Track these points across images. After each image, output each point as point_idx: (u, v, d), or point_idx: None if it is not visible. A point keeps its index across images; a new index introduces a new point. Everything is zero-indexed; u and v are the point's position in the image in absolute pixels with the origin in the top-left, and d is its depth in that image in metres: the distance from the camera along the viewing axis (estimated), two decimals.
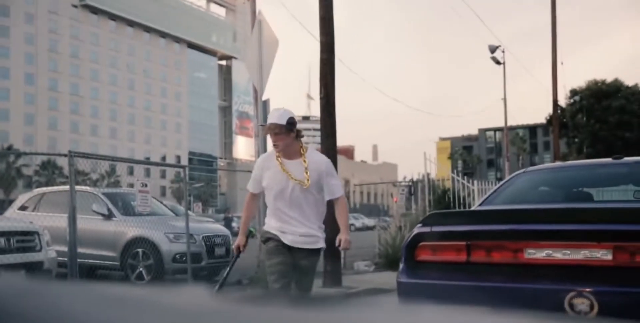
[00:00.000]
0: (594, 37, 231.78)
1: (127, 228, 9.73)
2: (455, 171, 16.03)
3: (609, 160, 5.10)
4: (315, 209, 4.40)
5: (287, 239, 4.33)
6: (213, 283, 9.80)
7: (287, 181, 4.32)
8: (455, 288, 3.58)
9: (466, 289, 3.54)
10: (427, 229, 3.79)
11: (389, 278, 7.53)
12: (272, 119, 4.31)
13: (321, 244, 4.45)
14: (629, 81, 52.54)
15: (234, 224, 28.07)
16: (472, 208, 5.27)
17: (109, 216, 10.08)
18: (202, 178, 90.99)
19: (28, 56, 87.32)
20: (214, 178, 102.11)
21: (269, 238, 4.39)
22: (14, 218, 8.27)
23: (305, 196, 4.33)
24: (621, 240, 3.30)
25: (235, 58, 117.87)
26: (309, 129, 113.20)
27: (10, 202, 12.41)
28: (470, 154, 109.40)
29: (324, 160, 4.47)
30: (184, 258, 9.45)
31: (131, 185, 10.05)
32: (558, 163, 6.00)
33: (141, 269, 9.90)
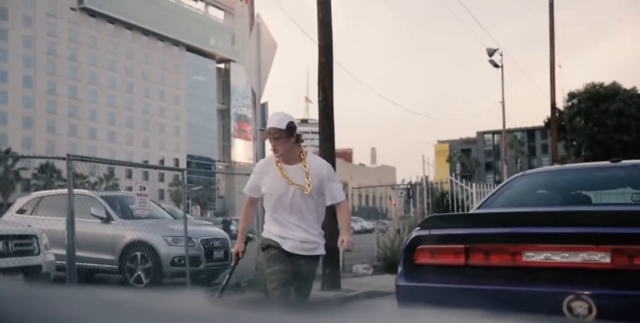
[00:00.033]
0: (592, 40, 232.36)
1: (125, 232, 9.72)
2: (453, 174, 16.05)
3: (607, 163, 5.11)
4: (315, 214, 4.35)
5: (287, 246, 4.26)
6: (212, 286, 9.81)
7: (287, 187, 4.25)
8: (454, 292, 3.58)
9: (465, 292, 3.54)
10: (425, 232, 3.79)
11: (388, 281, 7.53)
12: (271, 123, 4.25)
13: (321, 251, 4.40)
14: (626, 84, 52.79)
15: (232, 227, 28.03)
16: (471, 211, 5.27)
17: (107, 219, 10.07)
18: (200, 181, 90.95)
19: (26, 59, 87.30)
20: (212, 181, 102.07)
21: (268, 246, 4.32)
22: (12, 222, 8.27)
23: (305, 201, 4.28)
24: (619, 243, 3.30)
25: (233, 61, 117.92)
26: (307, 132, 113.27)
27: (9, 205, 12.40)
28: (469, 157, 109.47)
29: (325, 164, 4.43)
30: (183, 261, 9.44)
31: (129, 189, 10.06)
32: (556, 166, 6.01)
33: (140, 272, 9.88)
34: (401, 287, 3.84)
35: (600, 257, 3.31)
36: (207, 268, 10.29)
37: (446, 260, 3.69)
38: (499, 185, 5.25)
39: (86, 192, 11.39)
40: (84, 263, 8.98)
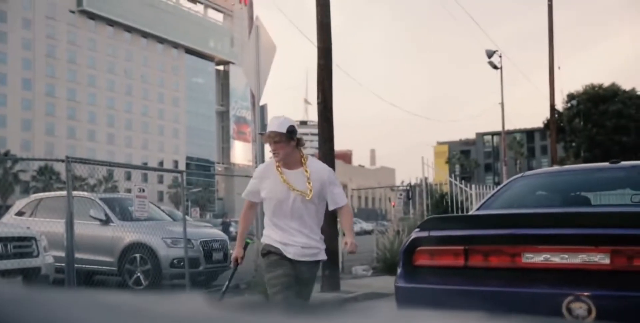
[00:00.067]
0: (591, 40, 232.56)
1: (124, 234, 9.72)
2: (452, 175, 16.06)
3: (606, 164, 5.12)
4: (315, 219, 4.30)
5: (289, 252, 4.19)
6: (211, 288, 9.81)
7: (287, 192, 4.19)
8: (453, 293, 3.58)
9: (464, 294, 3.54)
10: (424, 234, 3.79)
11: (387, 283, 7.52)
12: (271, 127, 4.19)
13: (323, 256, 4.34)
14: (626, 85, 52.88)
15: (231, 229, 28.04)
16: (470, 212, 5.27)
17: (106, 221, 10.07)
18: (199, 183, 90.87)
19: (25, 62, 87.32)
20: (211, 183, 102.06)
21: (269, 252, 4.25)
22: (11, 224, 8.26)
23: (306, 206, 4.22)
24: (619, 244, 3.30)
25: (232, 63, 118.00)
26: (306, 134, 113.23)
27: (8, 207, 12.39)
28: (468, 158, 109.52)
29: (326, 168, 4.37)
30: (182, 263, 9.44)
31: (129, 191, 10.05)
32: (555, 168, 6.01)
33: (139, 274, 9.88)
34: (400, 288, 3.83)
35: (600, 258, 3.31)
36: (206, 270, 10.29)
37: (445, 261, 3.69)
38: (499, 187, 5.26)
39: (85, 194, 11.39)
40: (83, 266, 8.98)
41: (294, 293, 4.18)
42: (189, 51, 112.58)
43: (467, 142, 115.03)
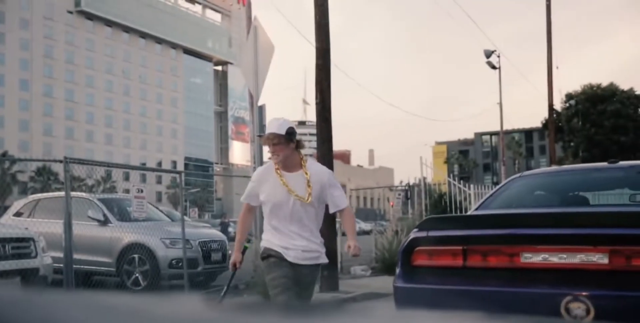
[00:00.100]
0: (589, 40, 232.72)
1: (123, 234, 9.72)
2: (451, 175, 16.08)
3: (604, 164, 5.12)
4: (315, 222, 4.26)
5: (290, 256, 4.15)
6: (209, 288, 9.81)
7: (287, 195, 4.14)
8: (452, 293, 3.58)
9: (462, 294, 3.54)
10: (423, 234, 3.79)
11: (386, 283, 7.51)
12: (271, 129, 4.15)
13: (323, 259, 4.31)
14: (624, 85, 52.72)
15: (230, 229, 27.99)
16: (469, 212, 5.27)
17: (104, 222, 10.07)
18: (198, 183, 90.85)
19: (23, 62, 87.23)
20: (210, 183, 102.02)
21: (269, 255, 4.21)
22: (9, 225, 8.25)
23: (305, 210, 4.18)
24: (617, 244, 3.30)
25: (231, 63, 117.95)
26: (304, 134, 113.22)
27: (6, 208, 12.38)
28: (467, 158, 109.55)
29: (326, 171, 4.33)
30: (180, 263, 9.43)
31: (127, 191, 10.04)
32: (554, 168, 6.02)
33: (137, 275, 9.87)
34: (399, 288, 3.83)
35: (598, 258, 3.31)
36: (205, 270, 10.29)
37: (444, 261, 3.69)
38: (497, 187, 5.26)
39: (83, 194, 11.37)
40: (82, 266, 8.97)
41: (294, 294, 4.16)
42: (187, 51, 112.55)
43: (465, 142, 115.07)
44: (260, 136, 5.08)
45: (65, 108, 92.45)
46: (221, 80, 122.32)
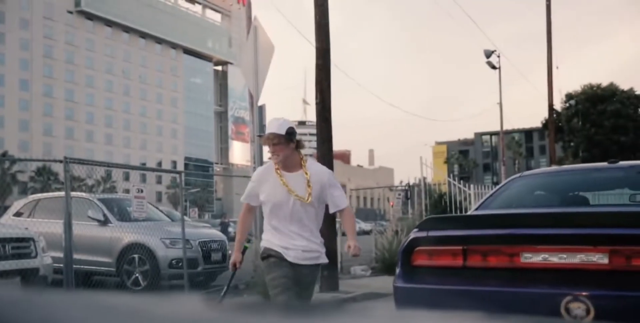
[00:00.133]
0: (589, 40, 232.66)
1: (123, 234, 9.72)
2: (451, 175, 16.08)
3: (604, 164, 5.12)
4: (315, 222, 4.26)
5: (290, 256, 4.15)
6: (209, 288, 9.81)
7: (287, 195, 4.14)
8: (452, 293, 3.58)
9: (462, 294, 3.54)
10: (423, 234, 3.79)
11: (386, 283, 7.52)
12: (270, 129, 4.15)
13: (324, 259, 4.31)
14: (624, 85, 52.77)
15: (230, 229, 27.99)
16: (469, 212, 5.27)
17: (104, 222, 10.07)
18: (198, 183, 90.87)
19: (23, 62, 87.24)
20: (210, 183, 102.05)
21: (269, 255, 4.21)
22: (9, 225, 8.25)
23: (305, 210, 4.18)
24: (617, 244, 3.30)
25: (231, 63, 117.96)
26: (304, 134, 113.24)
27: (5, 208, 12.38)
28: (467, 158, 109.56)
29: (326, 171, 4.33)
30: (180, 263, 9.43)
31: (127, 191, 10.04)
32: (554, 168, 6.02)
33: (137, 275, 9.88)
34: (399, 288, 3.83)
35: (598, 258, 3.31)
36: (205, 270, 10.29)
37: (444, 261, 3.69)
38: (497, 187, 5.26)
39: (83, 194, 11.37)
40: (82, 266, 8.98)
41: (294, 294, 4.16)
42: (187, 51, 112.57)
43: (465, 142, 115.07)
44: (260, 136, 5.08)
45: (65, 108, 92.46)
46: (221, 80, 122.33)
